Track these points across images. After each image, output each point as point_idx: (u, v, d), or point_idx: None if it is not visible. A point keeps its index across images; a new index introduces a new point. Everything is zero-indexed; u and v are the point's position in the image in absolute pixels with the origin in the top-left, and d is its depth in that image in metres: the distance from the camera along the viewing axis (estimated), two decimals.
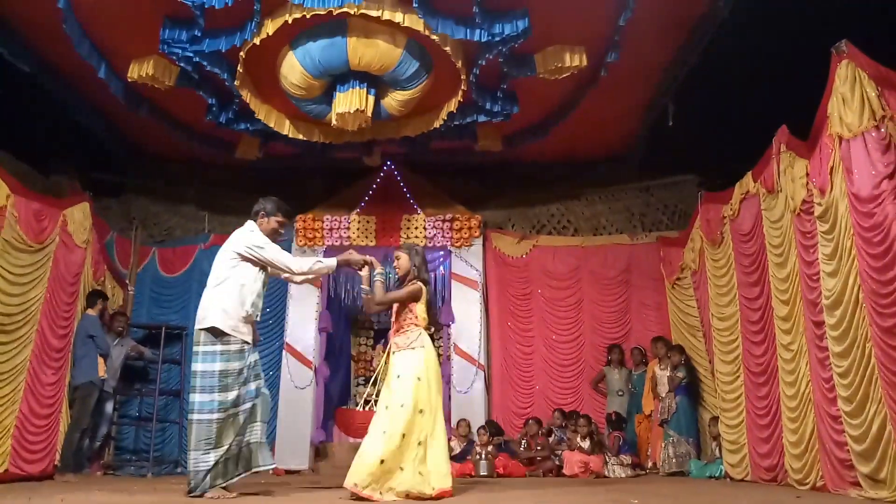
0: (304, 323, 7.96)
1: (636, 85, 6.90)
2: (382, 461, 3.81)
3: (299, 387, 7.69)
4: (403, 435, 3.89)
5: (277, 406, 7.72)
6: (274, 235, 4.28)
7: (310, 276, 4.36)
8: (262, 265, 4.18)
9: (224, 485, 3.88)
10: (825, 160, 4.25)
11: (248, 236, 4.19)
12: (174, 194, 8.83)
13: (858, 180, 3.91)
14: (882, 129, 3.79)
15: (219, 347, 3.96)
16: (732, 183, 5.92)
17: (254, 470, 3.98)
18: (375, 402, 4.06)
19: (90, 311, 6.59)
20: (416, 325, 4.17)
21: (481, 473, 6.76)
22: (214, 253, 4.40)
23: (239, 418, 3.95)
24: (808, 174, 4.53)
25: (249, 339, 4.07)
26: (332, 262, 4.35)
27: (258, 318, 4.15)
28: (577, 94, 6.93)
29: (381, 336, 8.87)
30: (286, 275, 4.33)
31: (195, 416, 3.89)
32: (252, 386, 4.03)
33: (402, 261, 4.32)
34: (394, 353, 4.20)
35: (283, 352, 7.89)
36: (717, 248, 6.29)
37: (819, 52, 4.22)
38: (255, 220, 4.29)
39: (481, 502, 3.98)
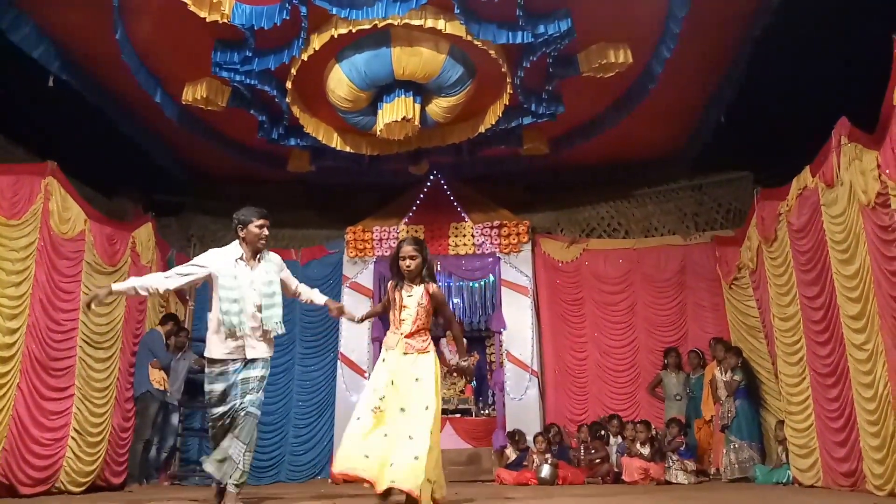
0: (357, 333, 8.06)
1: (687, 82, 6.73)
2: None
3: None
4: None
5: (334, 415, 7.89)
6: (260, 240, 4.22)
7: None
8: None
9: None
10: None
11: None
12: (229, 211, 8.97)
13: None
14: None
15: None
16: (790, 179, 5.72)
17: None
18: (378, 408, 3.92)
19: (159, 328, 6.87)
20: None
21: (543, 478, 6.62)
22: None
23: None
24: (879, 165, 4.31)
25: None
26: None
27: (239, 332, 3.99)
28: (625, 95, 6.83)
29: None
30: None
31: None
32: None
33: (418, 259, 4.09)
34: (406, 354, 4.04)
35: (338, 362, 8.02)
36: (772, 245, 6.09)
37: (874, 43, 4.05)
38: (238, 235, 4.25)
39: None
